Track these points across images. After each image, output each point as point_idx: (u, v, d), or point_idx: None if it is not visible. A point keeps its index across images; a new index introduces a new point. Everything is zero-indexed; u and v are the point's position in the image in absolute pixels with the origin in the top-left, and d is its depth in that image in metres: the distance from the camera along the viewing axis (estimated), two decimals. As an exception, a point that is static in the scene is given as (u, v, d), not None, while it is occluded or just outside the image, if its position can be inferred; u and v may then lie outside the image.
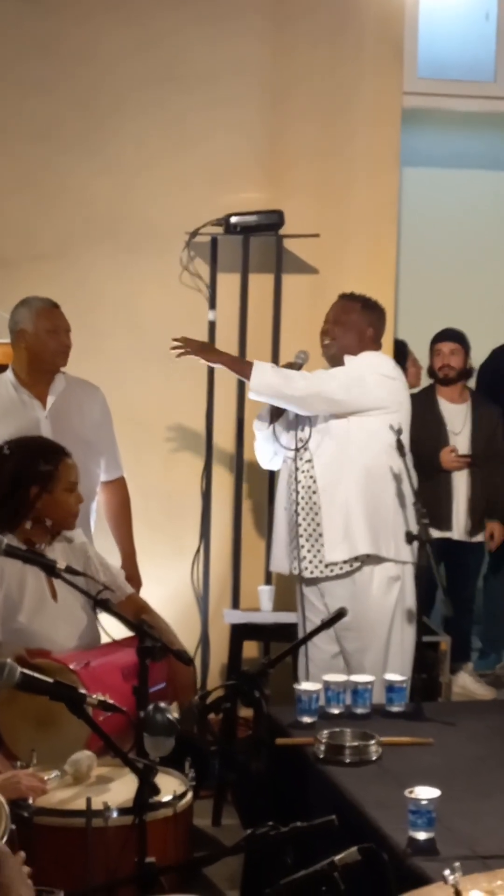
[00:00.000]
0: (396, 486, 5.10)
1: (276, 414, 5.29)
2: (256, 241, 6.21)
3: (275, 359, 6.18)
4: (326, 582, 5.15)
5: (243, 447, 6.19)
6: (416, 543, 4.84)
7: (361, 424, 5.13)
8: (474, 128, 7.59)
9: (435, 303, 7.73)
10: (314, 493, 5.14)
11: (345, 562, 5.09)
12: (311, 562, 5.15)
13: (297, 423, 5.25)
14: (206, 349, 5.36)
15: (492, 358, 7.25)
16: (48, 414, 5.24)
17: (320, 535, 5.12)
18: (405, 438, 5.11)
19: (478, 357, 7.06)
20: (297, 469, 5.20)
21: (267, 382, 5.14)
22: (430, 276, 7.92)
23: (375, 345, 5.41)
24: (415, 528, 4.82)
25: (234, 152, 6.26)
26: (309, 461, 5.18)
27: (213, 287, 6.20)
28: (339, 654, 5.20)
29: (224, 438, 6.23)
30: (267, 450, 5.39)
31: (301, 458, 5.21)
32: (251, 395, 5.23)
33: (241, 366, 5.29)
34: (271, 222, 6.14)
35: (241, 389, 6.19)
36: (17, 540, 4.14)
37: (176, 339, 5.26)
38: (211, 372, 6.15)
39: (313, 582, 5.18)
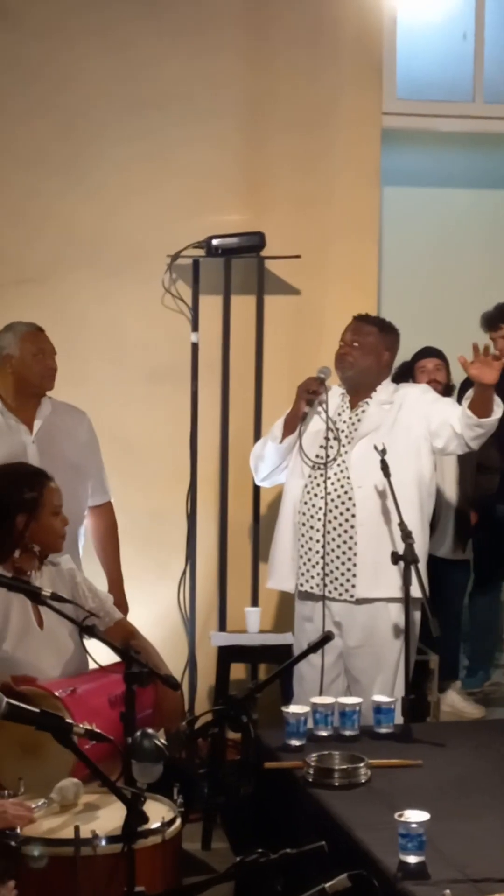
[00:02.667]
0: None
1: (290, 427, 5.30)
2: (238, 263, 6.22)
3: (258, 379, 6.20)
4: (343, 603, 5.17)
5: (227, 469, 6.19)
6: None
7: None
8: (454, 147, 7.60)
9: (416, 321, 7.73)
10: (351, 526, 5.14)
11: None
12: (342, 584, 5.15)
13: (321, 438, 5.25)
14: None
15: (474, 375, 7.24)
16: (35, 438, 5.25)
17: (354, 564, 5.13)
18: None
19: (458, 375, 7.06)
20: (325, 488, 5.18)
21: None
22: (412, 295, 7.93)
23: (391, 367, 5.46)
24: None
25: (214, 174, 6.27)
26: (342, 485, 5.18)
27: (195, 309, 6.21)
28: (337, 678, 5.20)
29: (208, 460, 6.23)
30: (272, 463, 5.39)
31: (333, 478, 5.20)
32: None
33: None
34: (252, 244, 6.15)
35: (225, 411, 6.20)
36: (3, 569, 4.12)
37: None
38: (195, 394, 6.15)
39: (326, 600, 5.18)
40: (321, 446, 5.26)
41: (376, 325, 5.42)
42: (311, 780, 3.88)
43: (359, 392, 5.35)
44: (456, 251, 8.14)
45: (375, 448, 5.01)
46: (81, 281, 6.17)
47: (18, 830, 3.33)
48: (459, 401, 6.95)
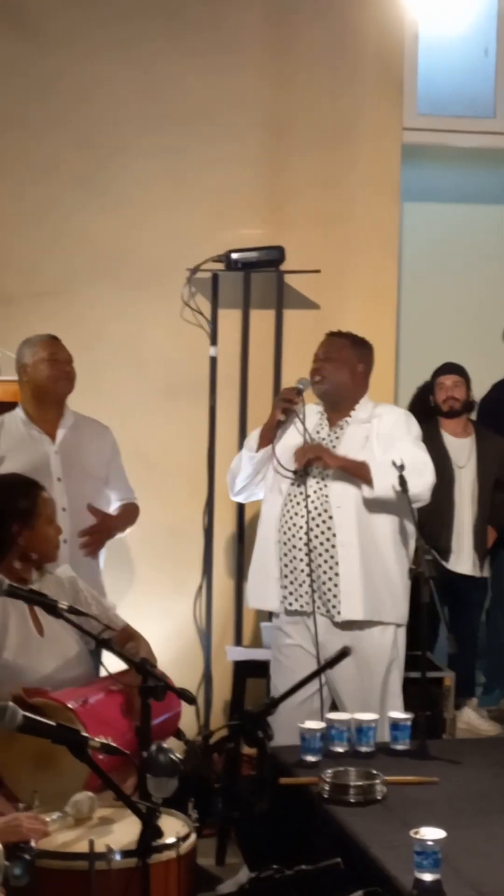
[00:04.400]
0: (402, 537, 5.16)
1: (266, 439, 5.25)
2: (257, 277, 6.22)
3: (276, 393, 6.18)
4: (327, 623, 5.14)
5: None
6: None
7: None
8: (474, 163, 7.60)
9: (435, 337, 7.74)
10: (332, 546, 5.11)
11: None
12: (324, 604, 5.13)
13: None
14: (323, 451, 5.13)
15: (493, 391, 7.24)
16: (58, 449, 5.28)
17: (336, 585, 5.08)
18: None
19: (478, 391, 7.05)
20: (306, 505, 5.14)
21: (389, 485, 5.05)
22: (431, 311, 7.92)
23: (366, 381, 5.37)
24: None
25: (234, 188, 6.28)
26: (322, 504, 5.14)
27: (214, 323, 6.21)
28: (314, 695, 5.13)
29: (226, 475, 6.20)
30: (247, 475, 5.32)
31: (313, 496, 5.17)
32: (370, 495, 5.08)
33: (359, 469, 5.09)
34: (272, 258, 6.15)
35: (243, 425, 6.19)
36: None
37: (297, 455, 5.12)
38: (213, 408, 6.15)
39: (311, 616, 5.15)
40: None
41: (348, 339, 5.36)
42: (326, 796, 3.86)
43: (337, 409, 5.28)
44: (476, 267, 8.13)
45: (394, 463, 4.98)
46: (100, 294, 6.18)
47: (33, 844, 3.32)
48: (482, 420, 6.95)
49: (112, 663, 4.04)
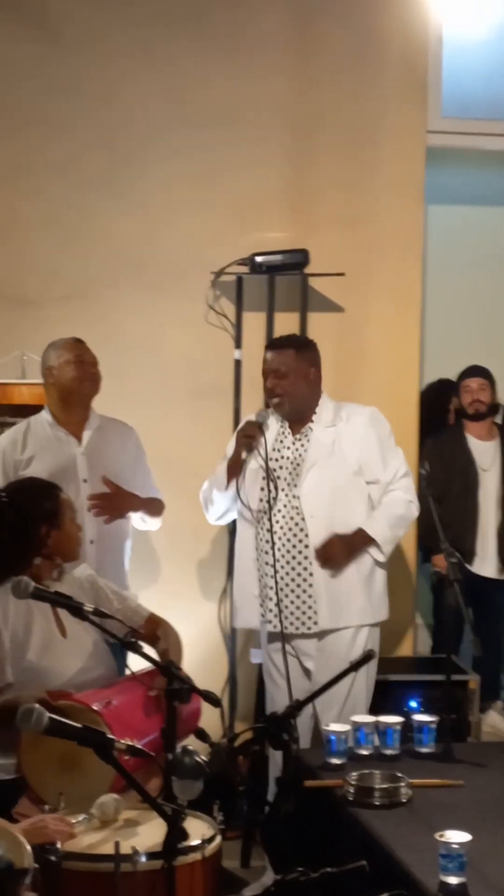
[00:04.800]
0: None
1: (233, 472, 5.27)
2: (282, 280, 6.22)
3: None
4: (306, 637, 5.20)
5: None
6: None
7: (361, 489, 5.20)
8: (499, 165, 7.58)
9: (460, 339, 7.73)
10: (305, 557, 5.14)
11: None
12: (298, 618, 5.16)
13: (263, 480, 5.22)
14: (345, 553, 5.17)
15: (519, 393, 7.23)
16: (84, 450, 5.32)
17: (310, 596, 5.13)
18: None
19: (503, 393, 7.05)
20: (271, 529, 5.15)
21: (393, 536, 5.20)
22: (456, 313, 7.91)
23: (320, 382, 5.35)
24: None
25: (258, 191, 6.29)
26: (292, 518, 5.16)
27: (238, 326, 6.21)
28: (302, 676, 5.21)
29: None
30: (222, 508, 5.40)
31: (284, 511, 5.19)
32: (382, 559, 5.22)
33: (363, 542, 5.19)
34: (296, 261, 6.15)
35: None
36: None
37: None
38: (236, 411, 6.15)
39: (287, 638, 5.18)
40: (262, 488, 5.21)
41: (291, 348, 5.29)
42: (351, 798, 3.86)
43: (299, 418, 5.28)
44: (500, 269, 8.12)
45: (422, 472, 5.02)
46: (122, 296, 6.20)
47: (59, 846, 3.33)
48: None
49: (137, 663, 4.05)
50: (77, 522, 4.50)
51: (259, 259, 6.10)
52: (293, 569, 5.14)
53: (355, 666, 4.02)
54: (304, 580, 5.13)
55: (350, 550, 5.13)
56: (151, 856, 3.25)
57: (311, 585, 5.12)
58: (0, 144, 6.19)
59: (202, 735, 3.91)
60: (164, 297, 6.24)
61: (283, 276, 6.20)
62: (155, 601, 5.83)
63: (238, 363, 6.21)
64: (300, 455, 5.20)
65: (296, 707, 3.71)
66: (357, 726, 4.34)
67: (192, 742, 3.84)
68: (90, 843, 3.42)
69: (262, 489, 5.19)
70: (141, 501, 5.44)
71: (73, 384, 5.36)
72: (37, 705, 3.11)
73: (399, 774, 3.95)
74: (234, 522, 6.13)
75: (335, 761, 4.21)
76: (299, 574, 5.13)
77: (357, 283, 6.31)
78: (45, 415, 5.43)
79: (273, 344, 5.37)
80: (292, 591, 5.14)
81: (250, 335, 6.22)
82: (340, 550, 5.11)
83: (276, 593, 5.12)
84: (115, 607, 4.32)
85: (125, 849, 3.25)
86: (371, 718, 4.41)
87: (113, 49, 6.21)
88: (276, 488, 5.16)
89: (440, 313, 7.51)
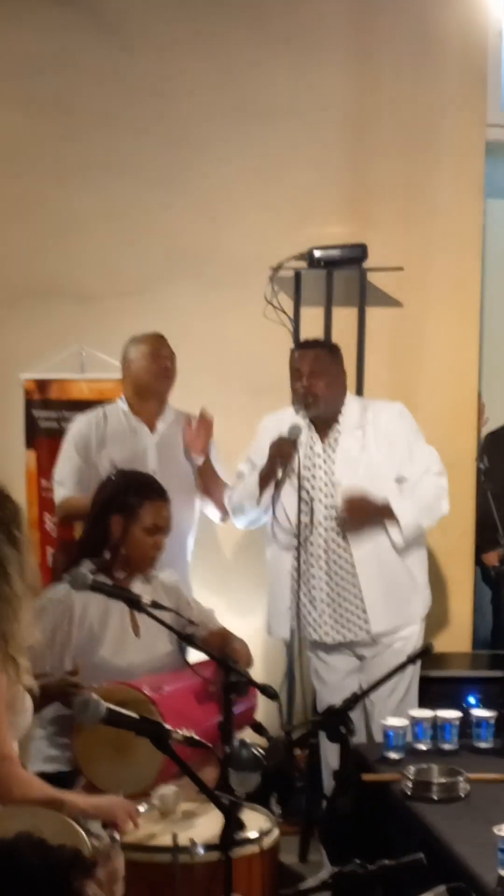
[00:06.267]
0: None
1: (265, 484, 5.26)
2: (340, 275, 6.21)
3: (358, 391, 6.16)
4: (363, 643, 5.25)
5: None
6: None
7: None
8: None
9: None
10: (352, 565, 5.18)
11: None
12: (355, 623, 5.20)
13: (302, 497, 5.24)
14: (368, 517, 5.20)
15: None
16: (157, 442, 5.43)
17: (361, 601, 5.17)
18: None
19: None
20: (297, 542, 5.21)
21: (415, 523, 5.17)
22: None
23: (346, 384, 5.41)
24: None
25: (317, 186, 6.28)
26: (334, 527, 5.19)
27: (296, 321, 6.21)
28: (353, 672, 5.26)
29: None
30: (254, 516, 5.41)
31: (325, 522, 5.21)
32: (401, 543, 5.19)
33: (386, 516, 5.18)
34: (355, 256, 6.13)
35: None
36: (105, 577, 4.17)
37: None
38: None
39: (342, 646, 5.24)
40: (300, 508, 5.22)
41: (324, 349, 5.34)
42: (409, 793, 3.86)
43: (325, 419, 5.30)
44: None
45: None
46: (183, 293, 6.21)
47: (117, 836, 3.33)
48: None
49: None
50: (157, 540, 4.40)
51: (317, 253, 6.08)
52: (343, 578, 5.18)
53: (413, 658, 4.01)
54: (353, 585, 5.17)
55: (372, 517, 5.13)
56: (209, 848, 3.25)
57: (360, 591, 5.16)
58: (62, 143, 6.24)
59: (259, 728, 3.92)
60: (223, 293, 6.25)
61: (341, 270, 6.18)
62: (216, 596, 5.86)
63: (296, 358, 6.19)
64: (331, 469, 5.23)
65: (353, 700, 3.71)
66: (415, 721, 4.33)
67: (249, 735, 3.86)
68: (148, 833, 3.43)
69: (301, 508, 5.21)
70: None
71: (148, 378, 5.49)
72: (94, 695, 3.11)
73: (457, 769, 3.94)
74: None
75: (393, 756, 4.20)
76: (348, 581, 5.18)
77: (416, 279, 6.30)
78: (121, 403, 5.56)
79: (306, 344, 5.42)
80: (345, 599, 5.19)
81: (309, 330, 6.20)
82: (366, 512, 5.11)
83: (328, 605, 5.20)
84: (193, 616, 4.33)
85: (183, 840, 3.25)
86: (429, 713, 4.40)
87: (171, 43, 6.23)
88: (311, 511, 5.19)
89: (499, 308, 7.46)
